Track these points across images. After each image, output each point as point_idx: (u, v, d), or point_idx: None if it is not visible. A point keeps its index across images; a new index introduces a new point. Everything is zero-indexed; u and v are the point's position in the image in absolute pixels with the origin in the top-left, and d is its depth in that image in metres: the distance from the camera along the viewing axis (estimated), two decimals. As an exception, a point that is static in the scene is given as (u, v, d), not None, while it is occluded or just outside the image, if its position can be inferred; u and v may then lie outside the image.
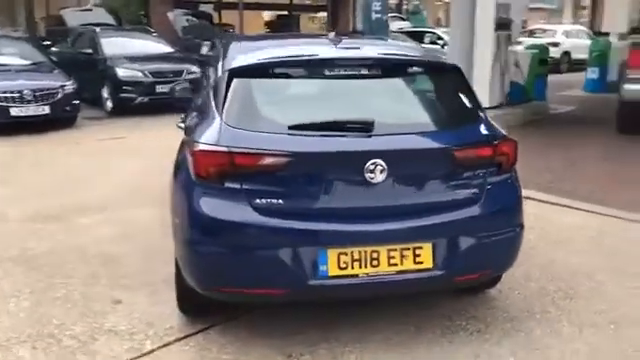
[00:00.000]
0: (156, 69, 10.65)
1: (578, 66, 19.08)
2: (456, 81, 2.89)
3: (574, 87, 13.47)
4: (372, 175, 2.47)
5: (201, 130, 2.68)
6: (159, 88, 10.47)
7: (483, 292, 3.26)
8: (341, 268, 2.50)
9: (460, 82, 2.89)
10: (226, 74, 2.76)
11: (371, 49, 3.17)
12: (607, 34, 18.34)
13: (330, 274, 2.49)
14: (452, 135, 2.68)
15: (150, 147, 7.26)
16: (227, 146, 2.49)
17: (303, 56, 2.80)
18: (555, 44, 18.93)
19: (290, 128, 2.54)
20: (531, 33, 20.64)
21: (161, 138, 7.66)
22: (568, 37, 19.57)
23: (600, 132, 8.09)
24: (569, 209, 4.85)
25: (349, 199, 2.54)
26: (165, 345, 2.80)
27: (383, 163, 2.46)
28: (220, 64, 2.99)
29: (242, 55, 2.97)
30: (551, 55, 18.01)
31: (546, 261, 3.73)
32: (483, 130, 2.74)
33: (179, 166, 2.84)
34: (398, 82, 2.84)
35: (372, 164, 2.45)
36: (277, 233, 2.47)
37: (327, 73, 2.76)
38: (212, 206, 2.51)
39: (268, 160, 2.46)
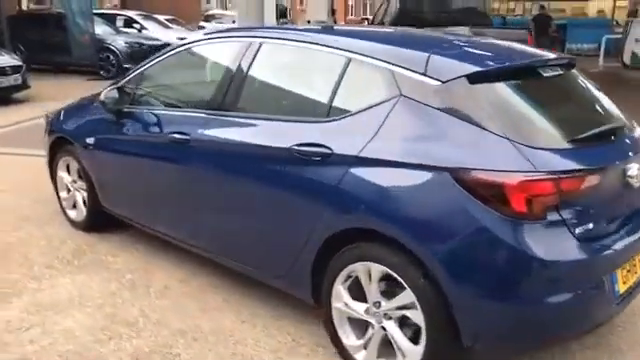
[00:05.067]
0: None
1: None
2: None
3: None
4: (636, 180, 2.40)
5: (468, 153, 2.11)
6: None
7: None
8: (624, 284, 2.38)
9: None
10: (461, 80, 2.23)
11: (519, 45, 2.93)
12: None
13: (620, 293, 2.34)
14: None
15: None
16: (552, 171, 2.05)
17: (529, 58, 2.46)
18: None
19: (572, 142, 2.24)
20: (208, 18, 21.07)
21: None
22: (247, 23, 20.69)
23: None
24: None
25: (621, 210, 2.41)
26: None
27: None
28: (408, 67, 2.36)
29: (447, 57, 2.40)
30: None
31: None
32: None
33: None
34: (575, 81, 2.74)
35: (638, 168, 2.38)
36: (600, 262, 2.19)
37: (544, 75, 2.50)
38: (546, 247, 2.03)
39: (588, 181, 2.14)
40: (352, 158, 2.37)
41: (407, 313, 2.28)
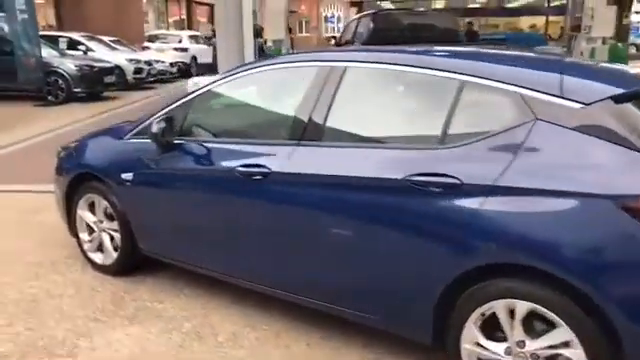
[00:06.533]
0: None
1: (204, 70, 20.17)
2: None
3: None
4: None
5: (633, 178, 2.01)
6: None
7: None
8: None
9: None
10: (606, 102, 2.15)
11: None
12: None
13: None
14: None
15: None
16: None
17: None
18: (184, 49, 19.35)
19: None
20: (152, 38, 20.41)
21: None
22: (194, 43, 20.17)
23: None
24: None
25: None
26: None
27: None
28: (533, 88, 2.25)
29: (579, 78, 2.32)
30: (181, 60, 18.60)
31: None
32: None
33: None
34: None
35: None
36: None
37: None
38: None
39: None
40: (488, 187, 2.21)
41: (563, 351, 2.14)
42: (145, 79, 15.33)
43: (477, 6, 24.79)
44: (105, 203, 3.60)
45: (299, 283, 2.84)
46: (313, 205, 2.67)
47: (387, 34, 9.09)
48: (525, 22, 25.88)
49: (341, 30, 17.26)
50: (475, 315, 2.30)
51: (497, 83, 2.35)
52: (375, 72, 2.72)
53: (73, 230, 3.89)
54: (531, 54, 3.07)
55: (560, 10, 22.11)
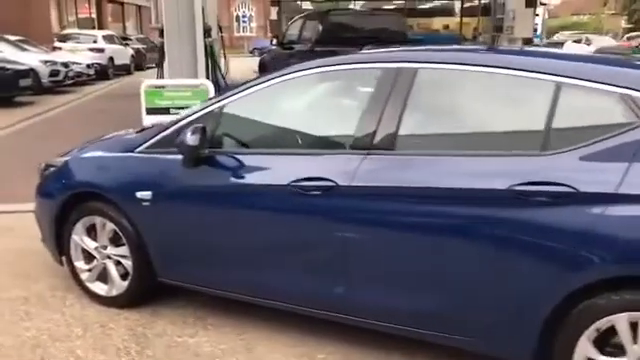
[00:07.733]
0: None
1: (121, 72, 19.07)
2: None
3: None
4: None
5: None
6: None
7: None
8: None
9: None
10: None
11: None
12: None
13: None
14: None
15: None
16: None
17: None
18: (100, 50, 18.15)
19: None
20: (63, 38, 18.95)
21: None
22: (110, 43, 18.94)
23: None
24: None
25: None
26: None
27: None
28: None
29: None
30: (97, 62, 17.49)
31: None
32: None
33: None
34: None
35: None
36: None
37: None
38: None
39: None
40: (607, 195, 2.09)
41: (693, 362, 2.06)
42: (62, 82, 14.18)
43: (392, 7, 25.32)
44: (112, 226, 3.14)
45: (377, 307, 2.57)
46: (395, 220, 2.43)
47: (337, 35, 8.94)
48: (437, 23, 26.66)
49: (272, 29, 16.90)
50: (590, 330, 2.17)
51: (599, 85, 2.23)
52: (455, 74, 2.51)
53: (67, 258, 3.37)
54: (620, 56, 3.01)
55: (472, 11, 23.10)
